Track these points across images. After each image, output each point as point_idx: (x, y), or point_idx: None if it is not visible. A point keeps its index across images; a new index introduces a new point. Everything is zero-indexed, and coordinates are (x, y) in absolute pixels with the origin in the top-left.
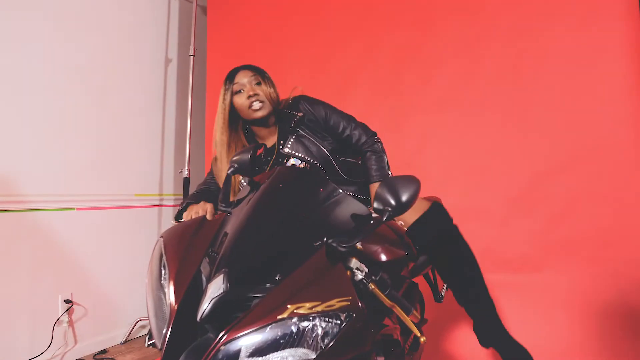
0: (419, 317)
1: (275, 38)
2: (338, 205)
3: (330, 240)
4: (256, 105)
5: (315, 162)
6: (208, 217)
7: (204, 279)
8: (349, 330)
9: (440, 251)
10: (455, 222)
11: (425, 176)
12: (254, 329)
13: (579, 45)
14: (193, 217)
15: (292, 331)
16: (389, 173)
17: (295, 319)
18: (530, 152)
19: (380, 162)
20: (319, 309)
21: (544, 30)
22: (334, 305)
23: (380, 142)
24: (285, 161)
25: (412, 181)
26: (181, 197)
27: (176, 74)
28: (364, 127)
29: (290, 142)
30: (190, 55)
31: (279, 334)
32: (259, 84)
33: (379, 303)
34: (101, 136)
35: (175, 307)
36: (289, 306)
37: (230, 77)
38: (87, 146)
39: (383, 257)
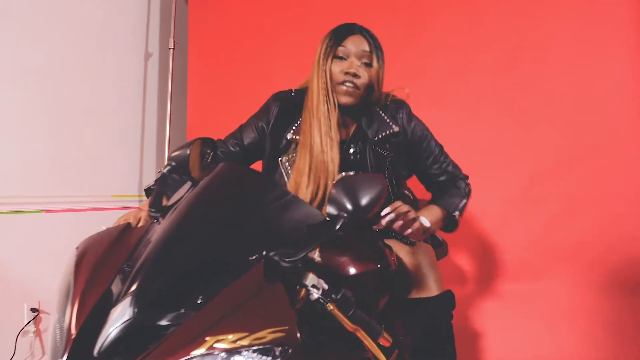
0: (390, 340)
1: (262, 29)
2: (287, 211)
3: (271, 254)
4: (349, 87)
5: None
6: (133, 223)
7: (113, 300)
8: None
9: (424, 346)
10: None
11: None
12: None
13: (582, 37)
14: (134, 223)
15: None
16: (456, 214)
17: (214, 354)
18: (529, 151)
19: (459, 198)
20: (244, 342)
21: (544, 20)
22: (265, 337)
23: (470, 188)
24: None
25: (376, 180)
26: None
27: (158, 69)
28: (456, 165)
29: (357, 147)
30: (169, 49)
31: None
32: (369, 65)
33: (342, 327)
34: (74, 134)
35: (73, 337)
36: (207, 338)
37: (340, 35)
38: (59, 145)
39: (350, 271)
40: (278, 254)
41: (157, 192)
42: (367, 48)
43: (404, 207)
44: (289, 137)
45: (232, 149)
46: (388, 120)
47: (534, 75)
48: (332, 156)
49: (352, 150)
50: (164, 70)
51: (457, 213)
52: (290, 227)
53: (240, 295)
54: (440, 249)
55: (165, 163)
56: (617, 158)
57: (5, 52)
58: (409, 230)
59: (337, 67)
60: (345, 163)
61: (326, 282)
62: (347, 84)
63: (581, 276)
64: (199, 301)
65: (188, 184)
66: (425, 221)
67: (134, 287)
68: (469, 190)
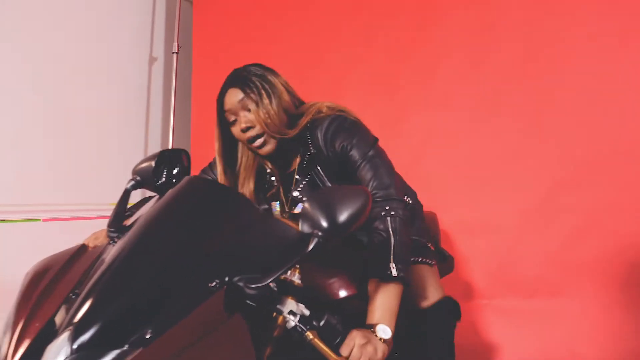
0: None
1: (266, 33)
2: (257, 229)
3: (235, 279)
4: (256, 143)
5: None
6: (95, 243)
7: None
8: None
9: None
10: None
11: (426, 185)
12: None
13: (599, 39)
14: (91, 245)
15: None
16: (392, 271)
17: None
18: (545, 159)
19: (385, 250)
20: None
21: (559, 21)
22: None
23: (403, 215)
24: (292, 209)
25: (356, 193)
26: None
27: (162, 73)
28: (389, 175)
29: (302, 185)
30: (173, 53)
31: None
32: (249, 110)
33: (323, 359)
34: (73, 141)
35: None
36: None
37: (220, 100)
38: (57, 152)
39: (339, 293)
40: (243, 279)
41: (117, 210)
42: (240, 96)
43: (358, 346)
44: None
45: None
46: (309, 142)
47: (550, 77)
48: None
49: (296, 194)
50: (168, 74)
51: (392, 269)
52: (259, 248)
53: (195, 329)
54: (445, 265)
55: (130, 177)
56: (639, 168)
57: (7, 56)
58: None
59: (236, 130)
60: (293, 200)
61: (308, 307)
62: (252, 141)
63: (601, 293)
64: (147, 336)
65: (153, 200)
66: (385, 332)
67: (75, 320)
68: (399, 220)
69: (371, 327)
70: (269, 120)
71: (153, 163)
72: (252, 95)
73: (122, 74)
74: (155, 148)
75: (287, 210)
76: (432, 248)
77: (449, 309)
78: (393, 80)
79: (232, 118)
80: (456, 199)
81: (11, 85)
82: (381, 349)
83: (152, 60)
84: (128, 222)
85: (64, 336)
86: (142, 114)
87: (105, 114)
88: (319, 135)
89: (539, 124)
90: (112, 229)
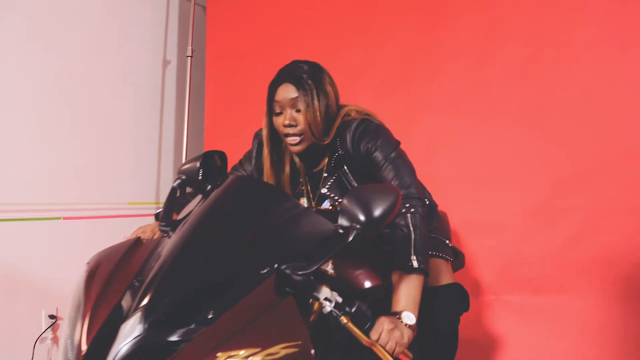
0: (411, 355)
1: (278, 37)
2: (298, 223)
3: (283, 267)
4: (292, 139)
5: None
6: (145, 237)
7: (124, 316)
8: None
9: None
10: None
11: (434, 185)
12: None
13: (603, 41)
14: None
15: None
16: (413, 263)
17: None
18: (552, 158)
19: (407, 243)
20: (257, 358)
21: (564, 24)
22: (277, 352)
23: (422, 212)
24: (319, 206)
25: (389, 191)
26: None
27: (175, 76)
28: (409, 176)
29: (329, 183)
30: (187, 56)
31: None
32: (299, 110)
33: (357, 341)
34: (92, 142)
35: (83, 353)
36: (219, 354)
37: (272, 89)
38: (77, 152)
39: (365, 284)
40: (290, 267)
41: (167, 206)
42: (293, 95)
43: (387, 331)
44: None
45: (238, 173)
46: (338, 144)
47: (556, 79)
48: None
49: (324, 190)
50: (181, 78)
51: (413, 261)
52: (302, 240)
53: (251, 310)
54: (457, 261)
55: (176, 176)
56: None
57: (30, 61)
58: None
59: (277, 122)
60: (320, 197)
61: (340, 295)
62: (289, 136)
63: (605, 291)
64: (209, 316)
65: (198, 197)
66: (410, 318)
67: (144, 303)
68: (419, 217)
69: (397, 314)
70: (312, 126)
71: (197, 164)
72: (305, 97)
73: (137, 78)
74: (169, 150)
75: (314, 206)
76: (450, 244)
77: (457, 296)
78: (402, 83)
79: (279, 110)
80: (464, 199)
81: (33, 88)
82: (407, 334)
83: (166, 63)
84: (177, 217)
85: (137, 316)
86: (157, 116)
87: (122, 116)
88: (347, 138)
89: (544, 125)
90: (163, 224)
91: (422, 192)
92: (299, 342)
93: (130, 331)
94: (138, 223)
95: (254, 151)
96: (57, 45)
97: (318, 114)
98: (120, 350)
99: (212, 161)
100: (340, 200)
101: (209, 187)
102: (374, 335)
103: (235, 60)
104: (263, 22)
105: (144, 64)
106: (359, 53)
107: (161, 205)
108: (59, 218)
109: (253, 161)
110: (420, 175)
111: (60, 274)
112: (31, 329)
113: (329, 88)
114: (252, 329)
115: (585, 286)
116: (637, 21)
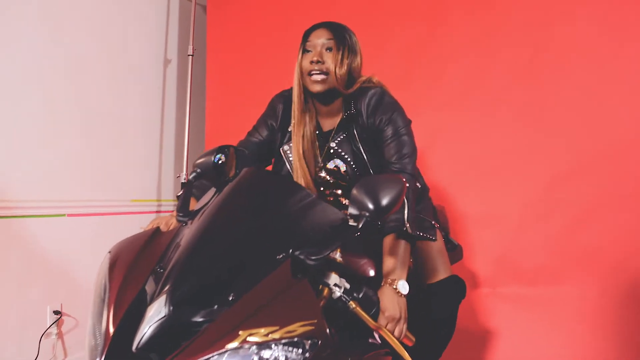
0: (413, 339)
1: (278, 36)
2: (310, 212)
3: (297, 253)
4: (316, 76)
5: (358, 172)
6: (163, 228)
7: (148, 300)
8: None
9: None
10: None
11: (433, 179)
12: (200, 359)
13: (601, 38)
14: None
15: None
16: (410, 227)
17: (247, 348)
18: (547, 153)
19: (401, 209)
20: (276, 335)
21: (562, 22)
22: (295, 330)
23: (413, 187)
24: (326, 164)
25: (395, 181)
26: None
27: (176, 75)
28: (410, 157)
29: (340, 138)
30: (188, 55)
31: None
32: (330, 49)
33: (363, 325)
34: (95, 139)
35: (111, 335)
36: (240, 332)
37: (306, 34)
38: (80, 150)
39: (370, 272)
40: (304, 253)
41: (184, 198)
42: (329, 36)
43: (393, 319)
44: (289, 130)
45: (253, 139)
46: (353, 102)
47: (553, 76)
48: (299, 146)
49: (333, 144)
50: (182, 77)
51: (407, 227)
52: (313, 227)
53: (269, 291)
54: (455, 253)
55: (191, 169)
56: (637, 161)
57: (28, 61)
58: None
59: (306, 60)
60: (327, 154)
61: (348, 282)
62: (314, 72)
63: (600, 281)
64: (230, 298)
65: (213, 190)
66: (405, 287)
67: (168, 286)
68: (410, 190)
69: (392, 284)
70: (338, 68)
71: (212, 157)
72: (338, 41)
73: (139, 76)
74: (170, 148)
75: (320, 162)
76: (436, 225)
77: (454, 288)
78: (403, 80)
79: (309, 49)
80: (461, 192)
81: (35, 86)
82: (404, 307)
83: (167, 62)
84: (194, 207)
85: (162, 299)
86: (158, 114)
87: (123, 114)
88: (364, 101)
89: (541, 119)
90: (181, 214)
91: (415, 171)
92: (315, 321)
93: (156, 313)
94: (140, 220)
95: (280, 109)
96: (60, 44)
97: (346, 61)
98: (146, 332)
99: (226, 154)
100: (347, 157)
101: (223, 178)
102: (381, 320)
103: (235, 59)
104: (263, 21)
105: (145, 63)
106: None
107: (163, 202)
108: (64, 215)
109: (279, 117)
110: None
111: (65, 270)
112: (36, 324)
113: (359, 50)
114: (270, 309)
115: (581, 278)
116: (636, 19)
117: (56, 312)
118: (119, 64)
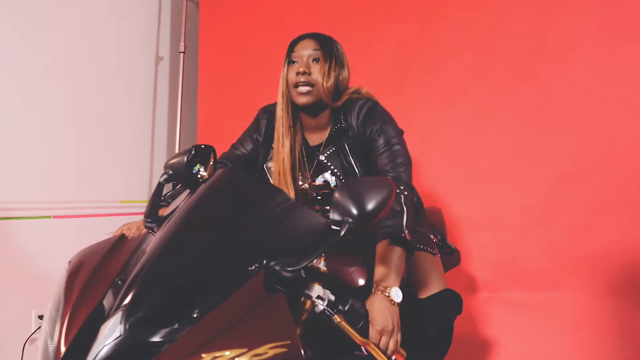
0: (405, 354)
1: (271, 33)
2: (288, 218)
3: (272, 263)
4: (302, 87)
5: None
6: (135, 232)
7: (105, 316)
8: None
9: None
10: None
11: (430, 181)
12: None
13: (602, 36)
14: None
15: None
16: (404, 230)
17: None
18: (549, 155)
19: (400, 217)
20: (244, 358)
21: (562, 19)
22: (264, 353)
23: (411, 196)
24: (314, 179)
25: (382, 184)
26: None
27: (168, 73)
28: (406, 166)
29: (329, 152)
30: (180, 52)
31: None
32: (317, 60)
33: (350, 341)
34: (83, 139)
35: (62, 354)
36: (203, 355)
37: (291, 45)
38: (67, 150)
39: (360, 281)
40: (279, 263)
41: (153, 202)
42: (315, 47)
43: (385, 331)
44: (273, 146)
45: (237, 152)
46: (341, 115)
47: (554, 75)
48: (285, 162)
49: (322, 157)
50: (174, 74)
51: (406, 234)
52: (292, 235)
53: (238, 308)
54: (452, 258)
55: (162, 171)
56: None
57: (14, 57)
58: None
59: (291, 71)
60: (316, 168)
61: (333, 293)
62: (301, 83)
63: (602, 287)
64: (194, 315)
65: (186, 193)
66: (398, 295)
67: (125, 302)
68: (409, 199)
69: (385, 291)
70: (325, 80)
71: (185, 158)
72: (325, 52)
73: (129, 74)
74: (161, 147)
75: (309, 176)
76: (435, 240)
77: (449, 302)
78: (398, 80)
79: (295, 59)
80: (460, 195)
81: (22, 85)
82: (396, 317)
83: (158, 59)
84: (163, 212)
85: (117, 316)
86: (149, 113)
87: (113, 113)
88: (353, 114)
89: (541, 121)
90: (149, 220)
91: (411, 182)
92: (288, 342)
93: (111, 331)
94: (129, 222)
95: (264, 124)
96: (48, 41)
97: (333, 72)
98: (100, 351)
99: (200, 155)
100: (337, 171)
101: (197, 181)
102: (371, 333)
103: (228, 57)
104: (256, 18)
105: (136, 60)
106: (353, 49)
107: None
108: (49, 217)
109: (262, 132)
110: (417, 171)
111: (51, 273)
112: (21, 329)
113: (346, 62)
114: (239, 328)
115: (581, 282)
116: (636, 18)
117: (41, 317)
118: (108, 61)
